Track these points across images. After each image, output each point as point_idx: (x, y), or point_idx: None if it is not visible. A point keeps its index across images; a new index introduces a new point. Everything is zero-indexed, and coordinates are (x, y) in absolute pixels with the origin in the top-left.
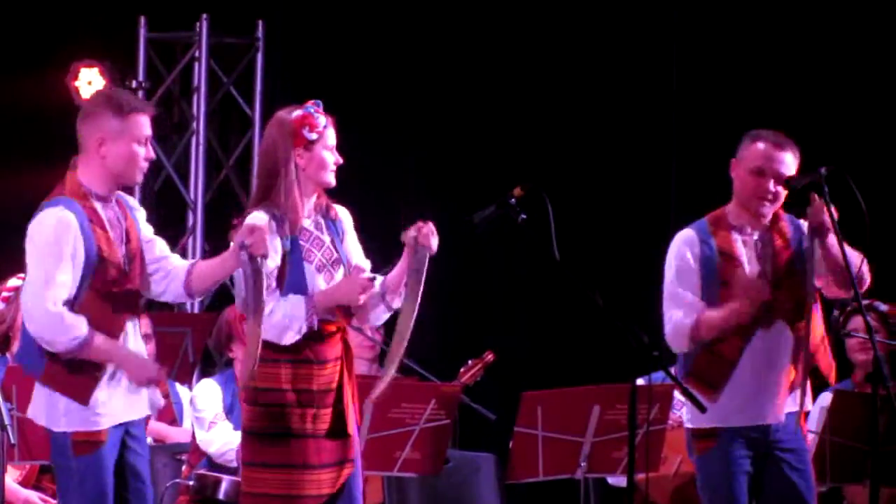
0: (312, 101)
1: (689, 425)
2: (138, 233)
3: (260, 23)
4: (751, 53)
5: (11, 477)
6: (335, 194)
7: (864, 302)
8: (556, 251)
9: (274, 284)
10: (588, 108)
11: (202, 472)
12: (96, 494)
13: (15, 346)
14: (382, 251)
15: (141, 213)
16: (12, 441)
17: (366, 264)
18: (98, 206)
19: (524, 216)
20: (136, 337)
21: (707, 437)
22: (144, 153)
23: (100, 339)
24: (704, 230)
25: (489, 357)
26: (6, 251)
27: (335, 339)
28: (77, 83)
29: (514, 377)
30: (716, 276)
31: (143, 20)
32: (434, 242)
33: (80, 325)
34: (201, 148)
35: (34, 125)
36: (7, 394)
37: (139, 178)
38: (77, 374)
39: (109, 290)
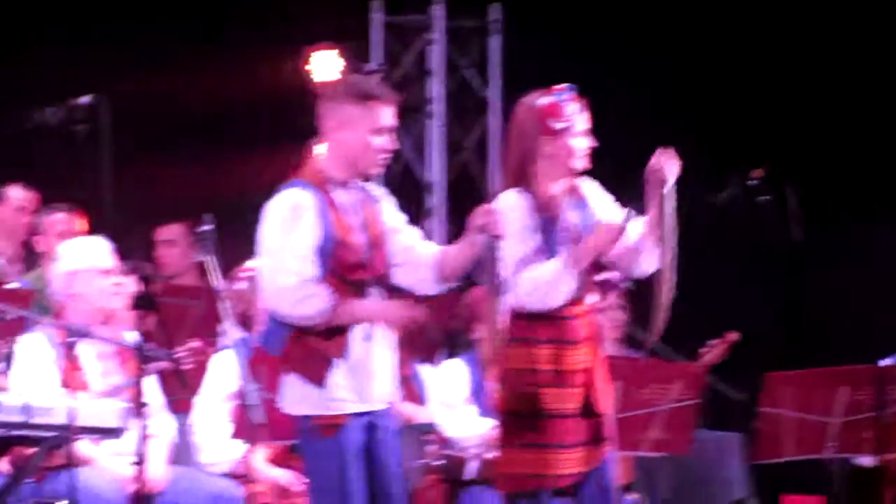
0: (563, 87)
1: None
2: (381, 222)
3: (496, 6)
4: None
5: (261, 456)
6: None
7: None
8: (798, 232)
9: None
10: (830, 89)
11: (448, 452)
12: (338, 477)
13: (258, 327)
14: None
15: (387, 203)
16: (260, 421)
17: (619, 215)
18: (337, 191)
19: (766, 197)
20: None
21: None
22: (383, 143)
23: (346, 305)
24: None
25: (732, 337)
26: (245, 233)
27: (586, 320)
28: (313, 67)
29: (761, 357)
30: None
31: (377, 4)
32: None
33: (321, 296)
34: (439, 130)
35: (271, 109)
36: (255, 374)
37: (376, 169)
38: (314, 356)
39: (348, 275)
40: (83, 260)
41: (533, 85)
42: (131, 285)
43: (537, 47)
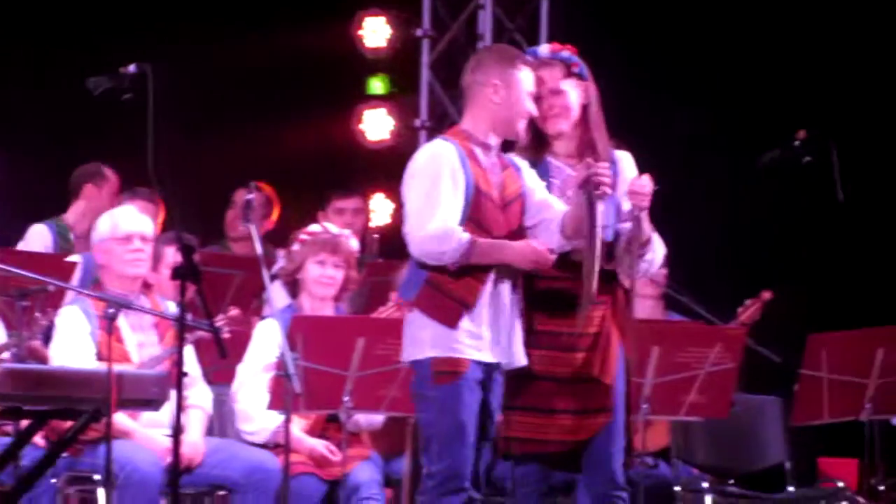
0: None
1: None
2: (518, 183)
3: None
4: None
5: (298, 426)
6: None
7: None
8: (840, 193)
9: None
10: (875, 53)
11: None
12: (454, 425)
13: (302, 296)
14: None
15: (527, 169)
16: (297, 390)
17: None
18: (477, 150)
19: (808, 158)
20: None
21: None
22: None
23: (481, 242)
24: None
25: (766, 295)
26: (298, 198)
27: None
28: (362, 32)
29: (800, 319)
30: None
31: None
32: None
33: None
34: None
35: (319, 73)
36: (293, 343)
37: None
38: (449, 300)
39: (487, 227)
40: (106, 230)
41: (580, 48)
42: (171, 255)
43: (584, 11)
